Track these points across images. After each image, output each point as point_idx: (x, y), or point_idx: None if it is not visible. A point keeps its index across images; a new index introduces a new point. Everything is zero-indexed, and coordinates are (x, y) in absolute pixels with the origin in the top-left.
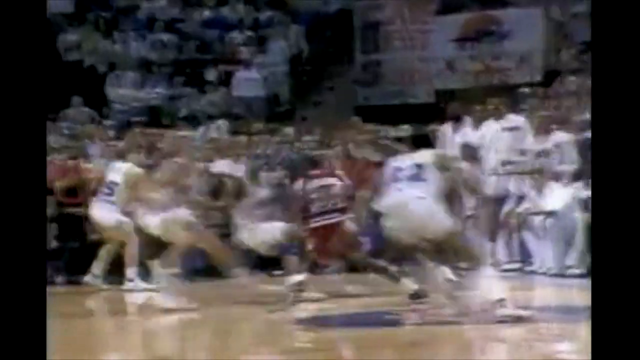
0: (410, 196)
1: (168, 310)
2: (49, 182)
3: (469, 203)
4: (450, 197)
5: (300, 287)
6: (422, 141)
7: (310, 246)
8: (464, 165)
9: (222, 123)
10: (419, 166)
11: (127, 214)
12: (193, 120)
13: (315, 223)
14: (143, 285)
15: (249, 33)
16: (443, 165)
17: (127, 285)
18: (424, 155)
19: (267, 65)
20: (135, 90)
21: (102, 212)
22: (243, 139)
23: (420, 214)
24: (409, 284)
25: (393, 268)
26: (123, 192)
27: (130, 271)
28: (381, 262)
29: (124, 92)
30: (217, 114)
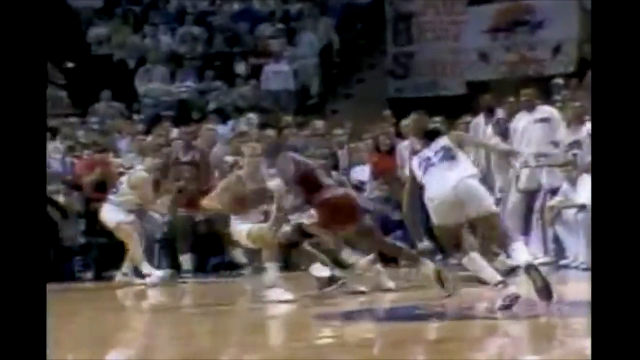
0: (451, 177)
1: (282, 302)
2: (77, 177)
3: (498, 184)
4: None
5: (331, 283)
6: (434, 135)
7: (314, 219)
8: (495, 139)
9: (252, 116)
10: (444, 148)
11: (132, 213)
12: (223, 114)
13: (321, 195)
14: (161, 274)
15: (279, 25)
16: (460, 143)
17: (146, 280)
18: (443, 140)
19: (297, 57)
20: (165, 84)
21: (106, 213)
22: (273, 132)
23: (467, 195)
24: (429, 263)
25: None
26: (126, 193)
27: (144, 267)
28: (398, 244)
29: (153, 86)
30: (247, 108)
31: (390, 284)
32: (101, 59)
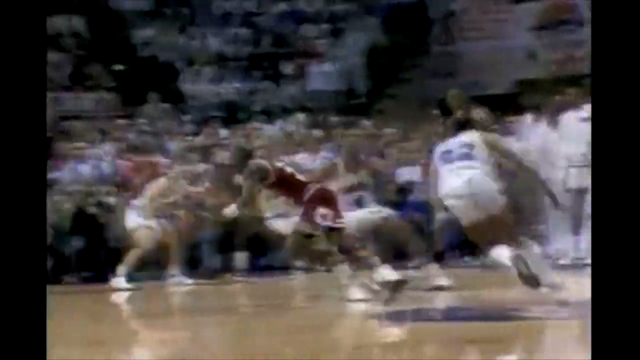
0: (467, 175)
1: (358, 301)
2: (126, 179)
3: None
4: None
5: (399, 285)
6: (464, 126)
7: (330, 215)
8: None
9: (300, 116)
10: (468, 145)
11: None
12: (269, 115)
13: (311, 191)
14: (127, 285)
15: (325, 26)
16: (493, 146)
17: (112, 282)
18: (471, 135)
19: (343, 57)
20: (212, 85)
21: (127, 217)
22: (320, 132)
23: (480, 191)
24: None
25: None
26: (145, 199)
27: (120, 269)
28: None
29: (200, 87)
30: (293, 108)
31: (445, 282)
32: (148, 61)
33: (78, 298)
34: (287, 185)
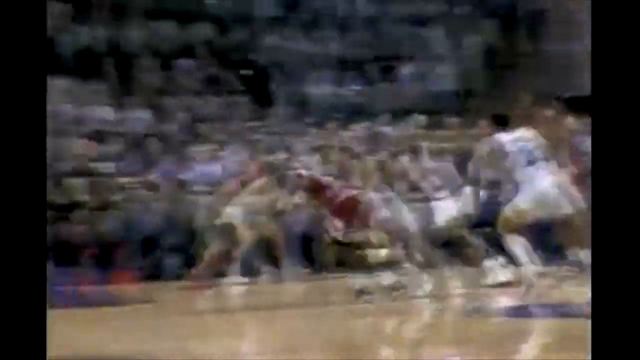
0: (542, 175)
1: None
2: (252, 179)
3: None
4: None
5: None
6: (502, 120)
7: (340, 225)
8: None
9: (421, 118)
10: (538, 150)
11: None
12: (389, 116)
13: (337, 198)
14: (241, 280)
15: (443, 28)
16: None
17: (224, 279)
18: (539, 138)
19: (461, 59)
20: (333, 87)
21: (226, 211)
22: (439, 133)
23: (554, 192)
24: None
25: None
26: (243, 196)
27: (232, 268)
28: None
29: (322, 89)
30: (412, 109)
31: (506, 277)
32: (273, 65)
33: (205, 293)
34: (319, 191)
